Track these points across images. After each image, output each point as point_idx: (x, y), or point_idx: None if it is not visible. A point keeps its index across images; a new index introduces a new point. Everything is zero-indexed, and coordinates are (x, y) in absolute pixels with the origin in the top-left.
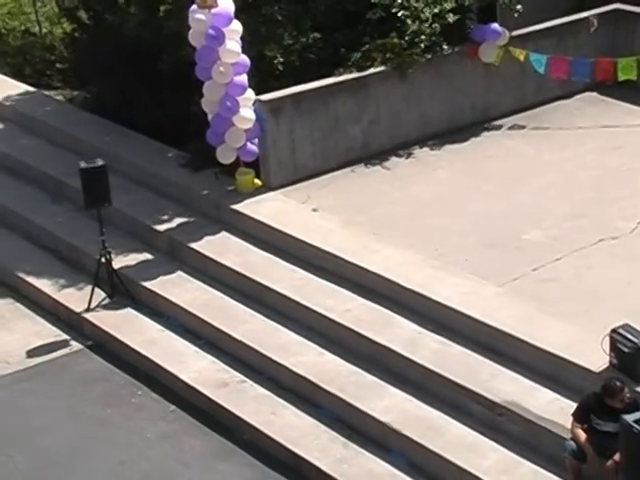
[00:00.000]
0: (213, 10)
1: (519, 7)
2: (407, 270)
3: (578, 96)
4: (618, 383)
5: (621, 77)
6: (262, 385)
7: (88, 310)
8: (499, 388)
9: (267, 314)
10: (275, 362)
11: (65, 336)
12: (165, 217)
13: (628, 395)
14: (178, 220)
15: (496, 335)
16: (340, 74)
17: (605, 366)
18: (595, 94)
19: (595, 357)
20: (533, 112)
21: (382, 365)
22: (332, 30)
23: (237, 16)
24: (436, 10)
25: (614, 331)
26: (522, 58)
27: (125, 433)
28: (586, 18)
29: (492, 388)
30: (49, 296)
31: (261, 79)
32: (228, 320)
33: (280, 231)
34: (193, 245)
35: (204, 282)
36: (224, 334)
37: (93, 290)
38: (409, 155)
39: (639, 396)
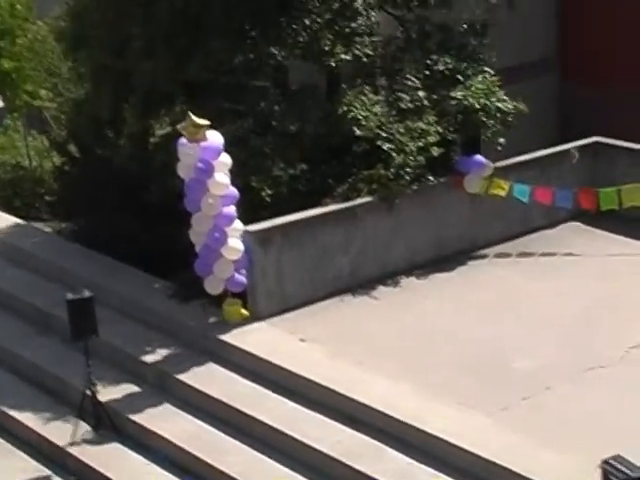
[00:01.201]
0: (202, 144)
1: (502, 140)
2: (396, 401)
3: (562, 226)
4: None
5: (603, 207)
6: None
7: (72, 444)
8: None
9: (255, 446)
10: None
11: (48, 472)
12: (152, 348)
13: None
14: (165, 351)
15: (487, 466)
16: (327, 204)
17: None
18: (579, 224)
19: None
20: (519, 241)
21: None
22: (319, 162)
23: (226, 149)
24: (420, 144)
25: (606, 462)
26: (504, 193)
27: None
28: (567, 150)
29: None
30: (33, 430)
31: (249, 209)
32: (215, 453)
33: (268, 361)
34: (180, 376)
35: (191, 414)
36: (211, 467)
37: (77, 423)
38: (397, 284)
39: None
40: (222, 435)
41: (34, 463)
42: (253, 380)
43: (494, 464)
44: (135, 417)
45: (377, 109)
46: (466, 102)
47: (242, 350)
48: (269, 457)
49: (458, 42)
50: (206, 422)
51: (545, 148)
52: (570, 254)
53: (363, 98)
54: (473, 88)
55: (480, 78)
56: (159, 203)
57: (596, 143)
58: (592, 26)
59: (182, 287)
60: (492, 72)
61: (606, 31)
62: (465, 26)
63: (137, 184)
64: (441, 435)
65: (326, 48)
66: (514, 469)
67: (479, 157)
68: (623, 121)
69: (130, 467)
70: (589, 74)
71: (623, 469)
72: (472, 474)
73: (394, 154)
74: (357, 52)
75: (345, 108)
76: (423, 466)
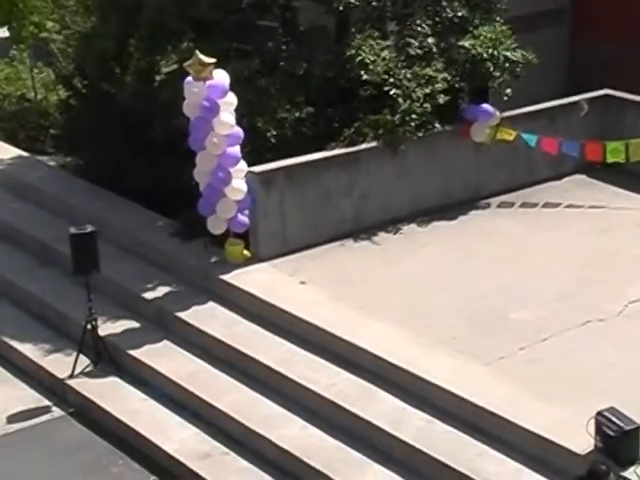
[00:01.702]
0: (208, 82)
1: (508, 91)
2: (394, 346)
3: (567, 178)
4: (603, 467)
5: (610, 159)
6: (245, 458)
7: (72, 377)
8: (484, 468)
9: (252, 385)
10: (258, 435)
11: (47, 402)
12: (153, 286)
13: (614, 479)
14: (166, 289)
15: (482, 414)
16: (332, 148)
17: (590, 449)
18: (584, 177)
19: (581, 440)
20: (523, 192)
21: (366, 441)
22: (325, 105)
23: (232, 88)
24: (427, 90)
25: (600, 414)
26: (512, 138)
27: None
28: (577, 102)
29: (477, 468)
30: (33, 361)
31: (254, 151)
32: (213, 391)
33: (267, 303)
34: (180, 314)
35: (190, 352)
36: (208, 405)
37: (77, 356)
38: (398, 231)
39: None
40: (219, 373)
41: (34, 393)
42: (252, 320)
43: (488, 412)
44: (134, 352)
45: (385, 54)
46: (474, 51)
47: (242, 290)
48: (264, 396)
49: None
50: (204, 360)
51: (554, 99)
52: (574, 206)
53: (372, 42)
54: (482, 37)
55: (489, 27)
56: (164, 141)
57: (606, 96)
58: None
59: (185, 226)
60: (502, 21)
61: None
62: None
63: (142, 121)
64: (436, 381)
65: None
66: (507, 417)
67: (487, 106)
68: (635, 76)
69: (128, 401)
70: (601, 27)
71: (617, 421)
72: (465, 421)
73: (400, 100)
74: None
75: (353, 51)
76: (417, 411)
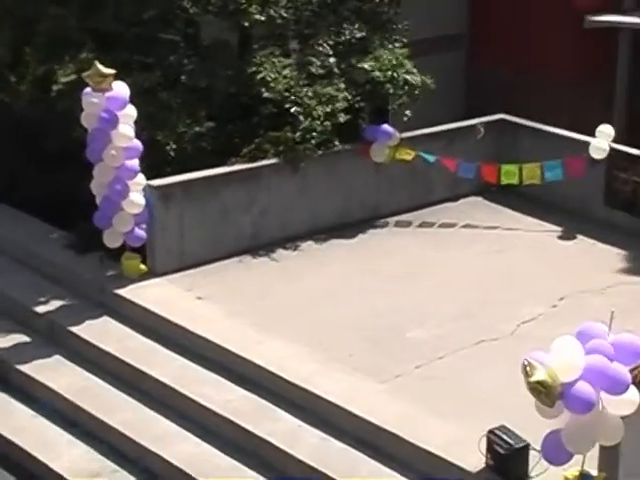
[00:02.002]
0: (107, 93)
1: (408, 113)
2: (290, 363)
3: (464, 200)
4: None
5: (504, 181)
6: (136, 476)
7: None
8: None
9: (145, 402)
10: (151, 452)
11: None
12: (46, 299)
13: None
14: (59, 303)
15: (377, 432)
16: (232, 164)
17: (482, 467)
18: (480, 199)
19: (472, 457)
20: (421, 212)
21: (261, 459)
22: (226, 120)
23: (132, 101)
24: (328, 109)
25: (491, 432)
26: (411, 158)
27: None
28: (474, 125)
29: None
30: None
31: (153, 165)
32: (105, 407)
33: (163, 318)
34: (73, 329)
35: (82, 367)
36: (100, 422)
37: None
38: (297, 248)
39: None
40: (113, 389)
41: None
42: (147, 336)
43: (383, 430)
44: (23, 367)
45: (287, 72)
46: (374, 73)
47: (137, 305)
48: (158, 413)
49: (372, 10)
50: (97, 376)
51: (452, 122)
52: (470, 227)
53: (274, 60)
54: (382, 59)
55: (390, 48)
56: (60, 151)
57: (502, 120)
58: (498, 6)
59: (80, 238)
60: (404, 42)
61: (510, 13)
62: None
63: (38, 131)
64: (332, 399)
65: (241, 7)
66: (401, 435)
67: (386, 126)
68: (527, 102)
69: (16, 418)
70: (498, 52)
71: (507, 439)
72: (362, 439)
73: (301, 117)
74: (272, 13)
75: (255, 68)
76: (313, 429)
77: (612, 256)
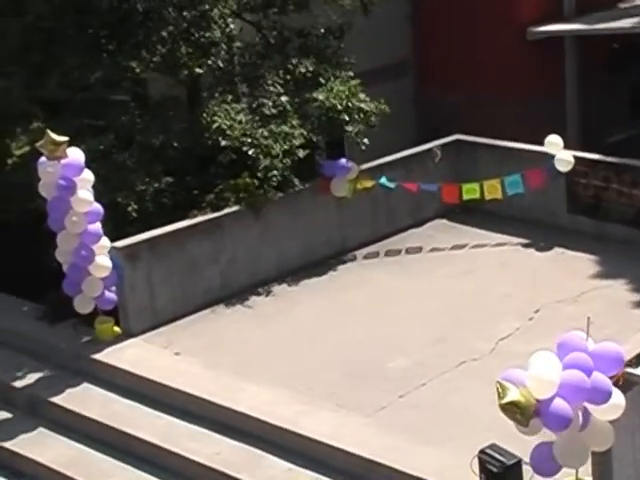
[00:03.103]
0: (63, 161)
1: (365, 141)
2: (274, 407)
3: (428, 224)
4: None
5: (466, 197)
6: None
7: None
8: None
9: (135, 464)
10: None
11: None
12: (23, 373)
13: None
14: (37, 375)
15: (368, 466)
16: (194, 216)
17: None
18: (445, 221)
19: (466, 479)
20: (387, 241)
21: None
22: (184, 174)
23: (88, 165)
24: (286, 147)
25: (482, 452)
26: (371, 185)
27: None
28: (430, 149)
29: None
30: None
31: (115, 226)
32: (95, 475)
33: (143, 377)
34: (54, 399)
35: (68, 437)
36: None
37: None
38: (269, 292)
39: None
40: (101, 456)
41: None
42: (129, 397)
43: (374, 463)
44: (6, 444)
45: (241, 117)
46: (328, 103)
47: (116, 368)
48: (149, 474)
49: (317, 46)
50: (83, 444)
51: (406, 149)
52: (437, 250)
53: (226, 107)
54: (335, 90)
55: (341, 80)
56: (22, 224)
57: (458, 141)
58: (442, 32)
59: (51, 308)
60: (352, 75)
61: (454, 38)
62: (323, 30)
63: None
64: (320, 438)
65: (182, 60)
66: (394, 466)
67: (344, 160)
68: (477, 123)
69: None
70: (446, 76)
71: (499, 457)
72: (353, 474)
73: (261, 157)
74: (211, 63)
75: (208, 119)
76: (304, 470)
77: (582, 262)
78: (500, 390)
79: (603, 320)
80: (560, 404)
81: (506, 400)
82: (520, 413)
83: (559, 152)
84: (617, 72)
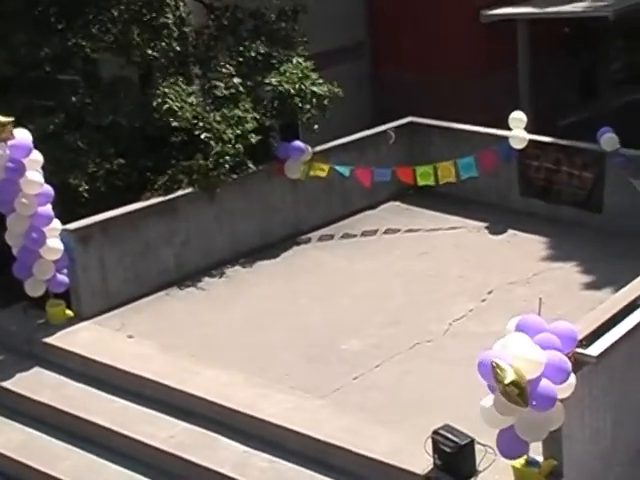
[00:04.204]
0: (10, 142)
1: (316, 127)
2: (229, 390)
3: (383, 206)
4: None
5: (420, 182)
6: None
7: None
8: None
9: (88, 448)
10: None
11: None
12: None
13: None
14: None
15: (323, 448)
16: (147, 198)
17: (430, 468)
18: (398, 203)
19: (420, 460)
20: (341, 224)
21: None
22: (137, 155)
23: (37, 146)
24: (238, 131)
25: (435, 432)
26: (324, 174)
27: None
28: (384, 131)
29: None
30: None
31: (67, 208)
32: (46, 459)
33: (96, 361)
34: (4, 384)
35: (19, 422)
36: (42, 474)
37: None
38: (223, 274)
39: None
40: (53, 440)
41: None
42: (82, 381)
43: (329, 445)
44: None
45: (192, 99)
46: (281, 87)
47: (69, 351)
48: (103, 458)
49: (270, 28)
50: (35, 429)
51: (361, 131)
52: (391, 233)
53: (178, 88)
54: (287, 73)
55: (294, 62)
56: None
57: (411, 123)
58: (397, 14)
59: (2, 291)
60: (306, 56)
61: (409, 20)
62: (276, 12)
63: None
64: (275, 420)
65: (134, 42)
66: (348, 447)
67: (298, 142)
68: (431, 105)
69: None
70: (401, 57)
71: (452, 437)
72: (309, 457)
73: (212, 143)
74: (164, 46)
75: (160, 100)
76: (259, 453)
77: (534, 244)
78: (499, 370)
79: (555, 301)
80: (547, 384)
81: (508, 380)
82: (519, 393)
83: (515, 129)
84: (568, 56)
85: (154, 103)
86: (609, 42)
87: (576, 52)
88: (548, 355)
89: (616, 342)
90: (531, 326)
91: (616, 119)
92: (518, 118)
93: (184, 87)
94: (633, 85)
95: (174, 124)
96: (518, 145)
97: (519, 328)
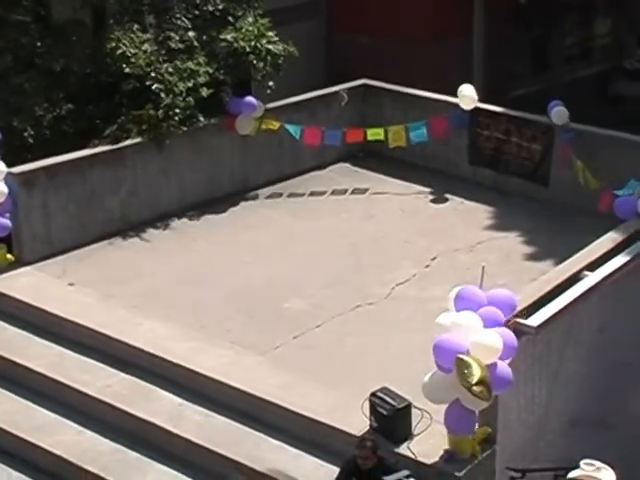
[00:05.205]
0: None
1: (271, 84)
2: (168, 343)
3: (332, 167)
4: (366, 436)
5: (370, 137)
6: (17, 469)
7: None
8: (264, 457)
9: (22, 394)
10: (31, 444)
11: None
12: None
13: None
14: None
15: (259, 404)
16: (95, 146)
17: (366, 429)
18: (348, 165)
19: (356, 421)
20: (289, 182)
21: (145, 441)
22: (86, 101)
23: None
24: (190, 84)
25: (373, 394)
26: (276, 128)
27: None
28: (336, 92)
29: (257, 457)
30: None
31: (12, 151)
32: None
33: (35, 307)
34: None
35: None
36: None
37: None
38: (168, 227)
39: (398, 457)
40: None
41: None
42: (20, 327)
43: (266, 401)
44: None
45: (146, 47)
46: (236, 44)
47: (7, 296)
48: (38, 405)
49: None
50: None
51: (315, 89)
52: (339, 194)
53: (132, 35)
54: (243, 30)
55: (250, 19)
56: None
57: (364, 85)
58: None
59: None
60: (262, 13)
61: None
62: None
63: None
64: (212, 375)
65: None
66: (284, 405)
67: (250, 98)
68: (383, 69)
69: None
70: (356, 19)
71: (389, 400)
72: (244, 412)
73: (163, 95)
74: None
75: (113, 44)
76: (195, 406)
77: (480, 213)
78: (465, 370)
79: (497, 270)
80: (503, 367)
81: (475, 380)
82: (487, 390)
83: (464, 88)
84: (521, 27)
85: (108, 47)
86: (564, 16)
87: (530, 24)
88: (502, 336)
89: (555, 314)
90: (470, 297)
91: (567, 93)
92: (468, 95)
93: (139, 35)
94: (584, 60)
95: (127, 70)
96: (467, 106)
97: (457, 297)
